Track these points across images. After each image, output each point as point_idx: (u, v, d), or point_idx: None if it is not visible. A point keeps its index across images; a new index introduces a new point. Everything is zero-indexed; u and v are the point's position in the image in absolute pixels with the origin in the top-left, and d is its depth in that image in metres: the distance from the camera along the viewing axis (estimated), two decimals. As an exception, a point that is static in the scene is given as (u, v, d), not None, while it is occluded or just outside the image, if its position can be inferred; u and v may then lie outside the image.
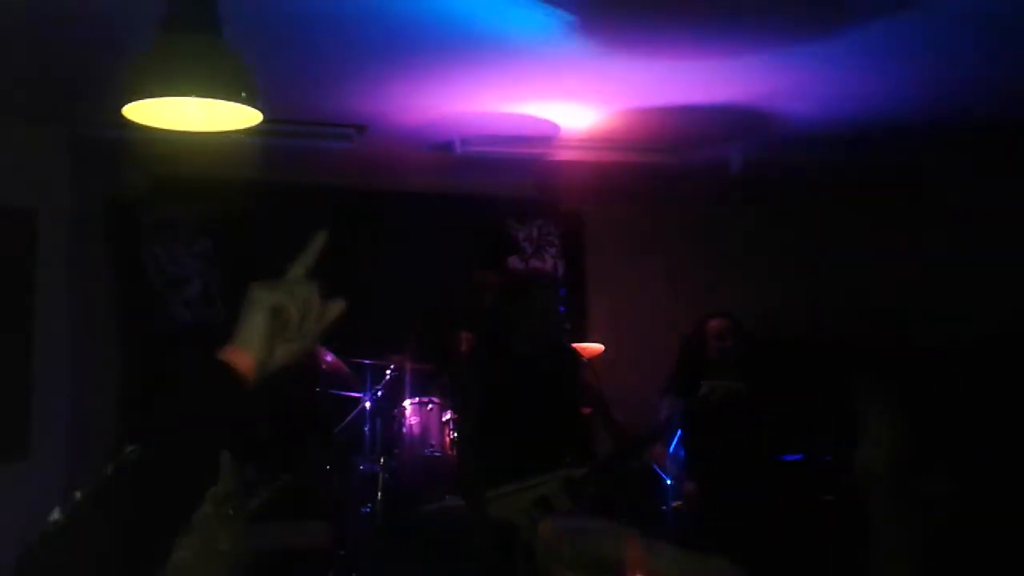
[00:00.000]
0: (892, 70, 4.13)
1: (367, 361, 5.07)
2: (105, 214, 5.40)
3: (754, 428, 3.97)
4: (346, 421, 5.06)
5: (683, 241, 6.38)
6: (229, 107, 2.21)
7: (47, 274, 4.61)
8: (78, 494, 1.04)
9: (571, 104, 4.63)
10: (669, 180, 5.79)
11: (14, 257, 4.51)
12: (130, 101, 2.22)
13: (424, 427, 4.98)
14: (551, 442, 3.43)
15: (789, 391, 4.32)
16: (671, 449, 4.44)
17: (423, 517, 4.84)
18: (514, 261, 6.22)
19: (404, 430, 4.97)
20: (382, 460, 4.94)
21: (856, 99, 4.58)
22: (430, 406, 5.00)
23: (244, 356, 1.14)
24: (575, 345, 5.60)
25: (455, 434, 4.89)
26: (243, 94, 2.14)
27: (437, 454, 4.92)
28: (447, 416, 4.99)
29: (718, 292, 5.87)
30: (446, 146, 5.15)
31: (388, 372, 5.05)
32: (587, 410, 3.76)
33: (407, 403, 5.02)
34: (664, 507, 4.55)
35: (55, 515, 1.03)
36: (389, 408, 5.08)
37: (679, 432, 4.26)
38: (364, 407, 5.05)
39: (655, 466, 4.44)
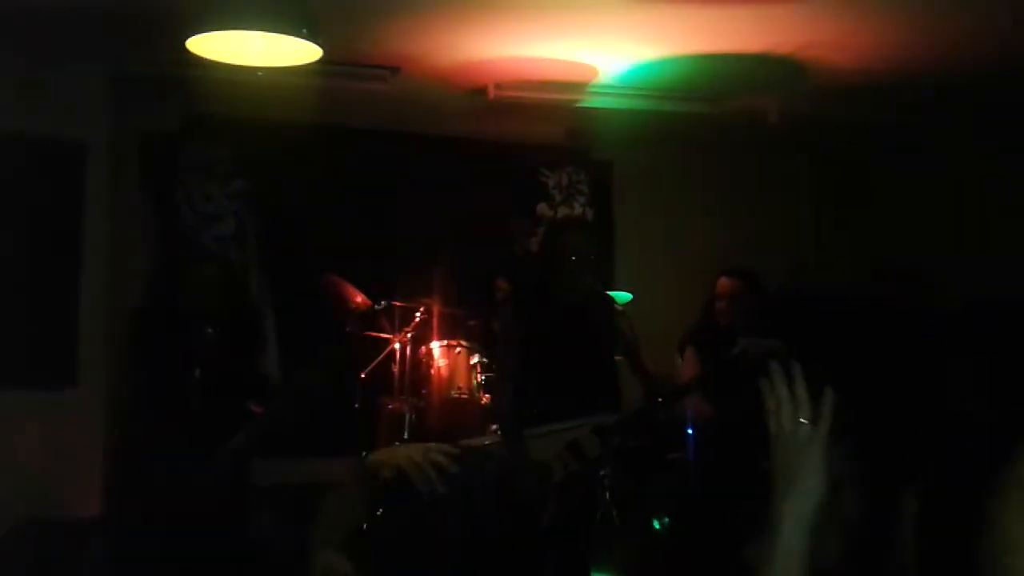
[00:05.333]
0: (931, 21, 4.07)
1: (397, 303, 5.12)
2: (141, 149, 5.44)
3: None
4: (376, 362, 5.12)
5: (714, 191, 6.33)
6: (289, 42, 2.22)
7: (95, 205, 4.66)
8: None
9: (608, 50, 4.60)
10: (704, 129, 5.74)
11: (64, 188, 4.56)
12: (194, 34, 2.22)
13: (451, 369, 5.03)
14: (584, 387, 3.46)
15: (830, 352, 4.28)
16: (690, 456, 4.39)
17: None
18: (543, 208, 6.22)
19: (432, 372, 5.03)
20: (410, 400, 5.02)
21: (895, 51, 4.52)
22: (458, 349, 5.05)
23: None
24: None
25: (483, 377, 4.94)
26: (304, 30, 2.15)
27: (464, 396, 4.99)
28: (475, 359, 5.04)
29: (749, 245, 5.85)
30: (480, 90, 5.12)
31: (417, 315, 5.09)
32: (619, 357, 3.77)
33: (435, 345, 5.08)
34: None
35: None
36: (417, 350, 5.14)
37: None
38: (393, 348, 5.11)
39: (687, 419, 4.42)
